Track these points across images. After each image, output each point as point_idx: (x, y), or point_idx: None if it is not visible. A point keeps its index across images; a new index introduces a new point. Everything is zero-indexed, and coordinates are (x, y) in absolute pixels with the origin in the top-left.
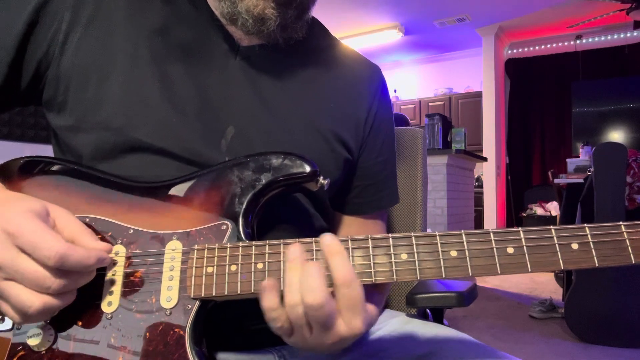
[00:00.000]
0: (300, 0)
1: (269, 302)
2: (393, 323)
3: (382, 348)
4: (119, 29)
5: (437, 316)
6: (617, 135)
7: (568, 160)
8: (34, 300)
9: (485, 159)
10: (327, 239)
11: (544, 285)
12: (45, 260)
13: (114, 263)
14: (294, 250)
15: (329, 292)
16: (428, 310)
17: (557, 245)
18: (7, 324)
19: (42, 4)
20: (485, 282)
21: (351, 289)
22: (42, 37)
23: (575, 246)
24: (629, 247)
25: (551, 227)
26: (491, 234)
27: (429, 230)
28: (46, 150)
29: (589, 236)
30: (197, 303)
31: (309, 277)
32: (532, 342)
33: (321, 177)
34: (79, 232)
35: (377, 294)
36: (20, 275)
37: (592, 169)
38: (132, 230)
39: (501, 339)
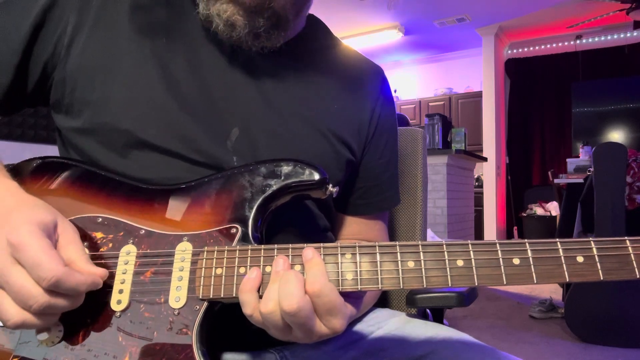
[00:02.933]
0: (274, 11)
1: (245, 285)
2: (393, 322)
3: (382, 347)
4: (123, 30)
5: (437, 316)
6: (617, 135)
7: (568, 160)
8: (13, 315)
9: (485, 159)
10: (308, 253)
11: (544, 285)
12: (40, 281)
13: (124, 262)
14: (277, 263)
15: (306, 298)
16: (428, 310)
17: (562, 257)
18: None
19: (48, 6)
20: None
21: (321, 298)
22: (48, 39)
23: (580, 259)
24: (634, 262)
25: (557, 239)
26: (497, 244)
27: (429, 230)
28: (46, 151)
29: (594, 250)
30: (205, 304)
31: (286, 283)
32: (532, 342)
33: (330, 185)
34: (77, 255)
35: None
36: (8, 287)
37: (592, 169)
38: (143, 231)
39: (501, 339)
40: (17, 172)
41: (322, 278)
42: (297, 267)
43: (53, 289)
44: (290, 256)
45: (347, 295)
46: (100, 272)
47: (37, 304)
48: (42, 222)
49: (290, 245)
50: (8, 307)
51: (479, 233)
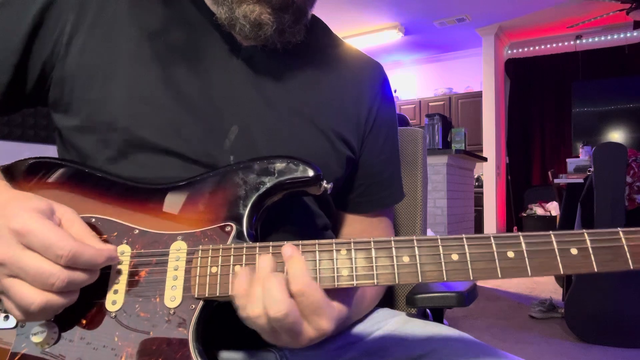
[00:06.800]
0: (297, 5)
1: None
2: (393, 322)
3: (382, 347)
4: (122, 29)
5: (437, 316)
6: (617, 135)
7: (568, 160)
8: (36, 297)
9: (485, 159)
10: (287, 251)
11: (544, 285)
12: (57, 259)
13: (119, 262)
14: (262, 261)
15: (292, 302)
16: (428, 310)
17: (556, 250)
18: (11, 322)
19: (47, 5)
20: (485, 282)
21: (305, 297)
22: (47, 39)
23: (574, 251)
24: (627, 253)
25: (550, 232)
26: (492, 238)
27: (429, 230)
28: (46, 150)
29: (587, 242)
30: (201, 303)
31: (270, 289)
32: (532, 342)
33: (324, 182)
34: (84, 234)
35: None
36: (23, 272)
37: (592, 169)
38: (137, 231)
39: (501, 339)
40: (10, 172)
41: (303, 276)
42: None
43: (71, 265)
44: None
45: (334, 293)
46: (113, 247)
47: (59, 280)
48: (39, 208)
49: (286, 243)
50: (28, 292)
51: (479, 233)
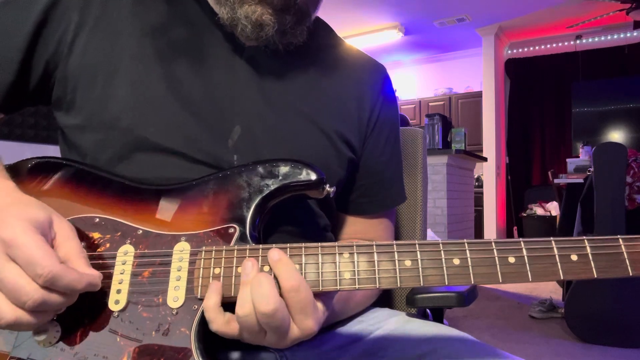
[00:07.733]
0: (298, 7)
1: (208, 301)
2: (393, 322)
3: (382, 347)
4: (125, 29)
5: (437, 316)
6: (617, 135)
7: (568, 160)
8: (6, 313)
9: (485, 159)
10: (274, 255)
11: (544, 285)
12: (36, 278)
13: (122, 262)
14: (246, 266)
15: (281, 299)
16: (428, 310)
17: (557, 256)
18: None
19: (51, 4)
20: None
21: (298, 293)
22: (51, 38)
23: (574, 257)
24: (627, 260)
25: (551, 238)
26: (493, 243)
27: (429, 230)
28: (46, 150)
29: (587, 248)
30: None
31: (260, 286)
32: (532, 342)
33: (327, 185)
34: (74, 254)
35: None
36: (1, 284)
37: (592, 169)
38: (141, 231)
39: (501, 339)
40: (15, 171)
41: (297, 274)
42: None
43: (49, 286)
44: (288, 255)
45: (315, 296)
46: (97, 274)
47: (32, 300)
48: (36, 219)
49: (288, 245)
50: (1, 305)
51: (479, 233)
